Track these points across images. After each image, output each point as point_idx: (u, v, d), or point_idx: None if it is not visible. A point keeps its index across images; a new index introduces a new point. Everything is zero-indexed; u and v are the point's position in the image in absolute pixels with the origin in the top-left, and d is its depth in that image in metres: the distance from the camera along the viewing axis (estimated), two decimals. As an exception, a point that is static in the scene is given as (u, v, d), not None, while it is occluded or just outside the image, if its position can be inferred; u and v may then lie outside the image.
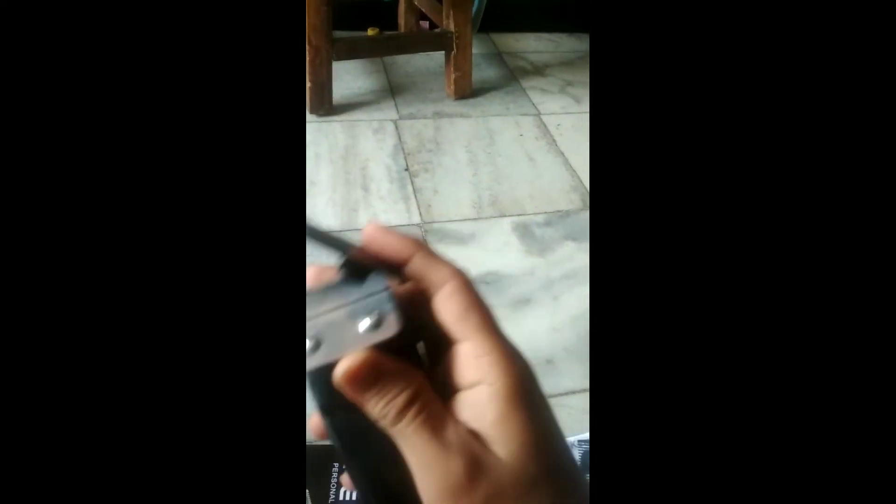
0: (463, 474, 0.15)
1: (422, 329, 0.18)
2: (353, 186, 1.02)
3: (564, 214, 1.02)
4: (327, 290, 0.18)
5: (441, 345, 0.18)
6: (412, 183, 1.05)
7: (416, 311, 0.17)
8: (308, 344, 0.17)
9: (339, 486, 0.60)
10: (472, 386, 0.17)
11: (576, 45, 1.64)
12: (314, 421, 0.18)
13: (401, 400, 0.16)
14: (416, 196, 1.02)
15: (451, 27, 1.21)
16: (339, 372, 0.16)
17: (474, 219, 0.99)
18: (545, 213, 1.02)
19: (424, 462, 0.16)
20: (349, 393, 0.16)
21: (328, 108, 1.17)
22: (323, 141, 1.12)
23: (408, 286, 0.18)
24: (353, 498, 0.59)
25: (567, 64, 1.53)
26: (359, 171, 1.06)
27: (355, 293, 0.17)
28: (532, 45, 1.62)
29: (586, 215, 1.03)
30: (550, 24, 1.68)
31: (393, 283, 0.18)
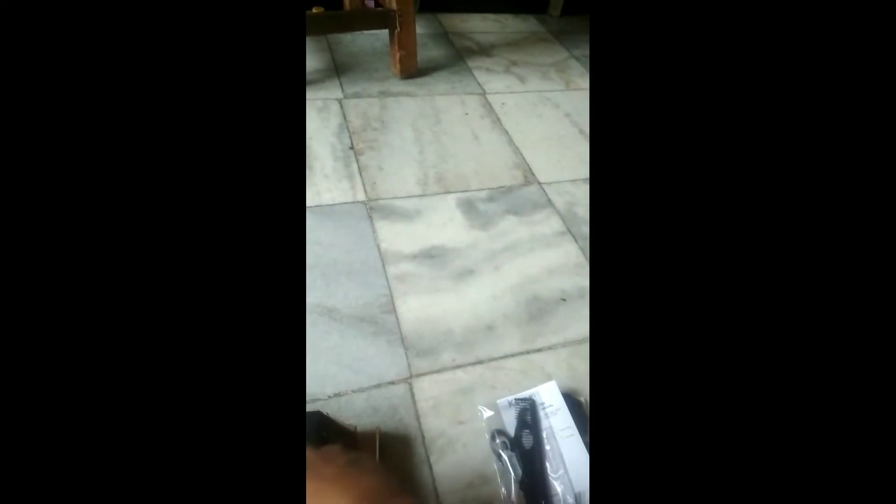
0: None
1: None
2: (297, 165, 1.02)
3: (507, 190, 1.05)
4: None
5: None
6: (357, 161, 1.05)
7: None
8: None
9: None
10: None
11: (521, 25, 1.67)
12: None
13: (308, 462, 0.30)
14: (361, 174, 1.03)
15: (394, 5, 1.21)
16: None
17: (419, 195, 1.01)
18: (489, 188, 1.04)
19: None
20: None
21: (270, 86, 1.16)
22: (265, 120, 1.11)
23: None
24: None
25: (512, 44, 1.55)
26: (303, 150, 1.06)
27: None
28: (478, 25, 1.63)
29: (527, 190, 1.06)
30: (496, 5, 1.70)
31: None
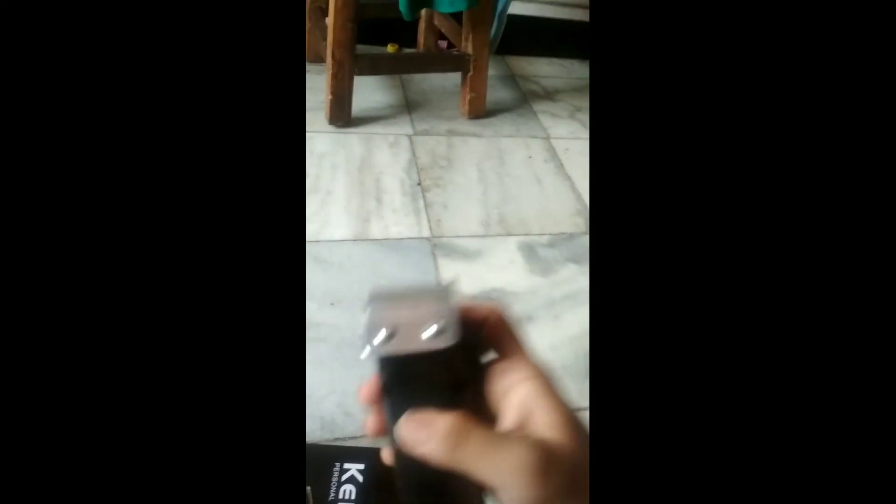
0: (539, 461, 0.18)
1: (470, 349, 0.22)
2: (367, 197, 1.06)
3: (568, 237, 1.06)
4: (408, 295, 0.22)
5: (480, 369, 0.22)
6: (424, 197, 1.09)
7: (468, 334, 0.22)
8: (384, 332, 0.21)
9: (339, 484, 0.62)
10: (515, 387, 0.20)
11: (586, 71, 1.70)
12: (366, 389, 0.21)
13: (451, 432, 0.19)
14: (426, 210, 1.06)
15: (470, 49, 1.26)
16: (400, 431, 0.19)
17: (482, 236, 1.03)
18: (550, 234, 1.06)
19: (500, 471, 0.18)
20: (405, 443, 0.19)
21: (347, 119, 1.22)
22: (340, 152, 1.16)
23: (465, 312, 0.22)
24: (354, 497, 0.61)
25: (577, 90, 1.58)
26: (373, 183, 1.10)
27: (428, 306, 0.21)
28: (545, 69, 1.67)
29: (589, 239, 1.07)
30: (563, 50, 1.73)
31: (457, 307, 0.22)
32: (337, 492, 0.63)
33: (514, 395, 0.20)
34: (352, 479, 0.62)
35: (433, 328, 0.20)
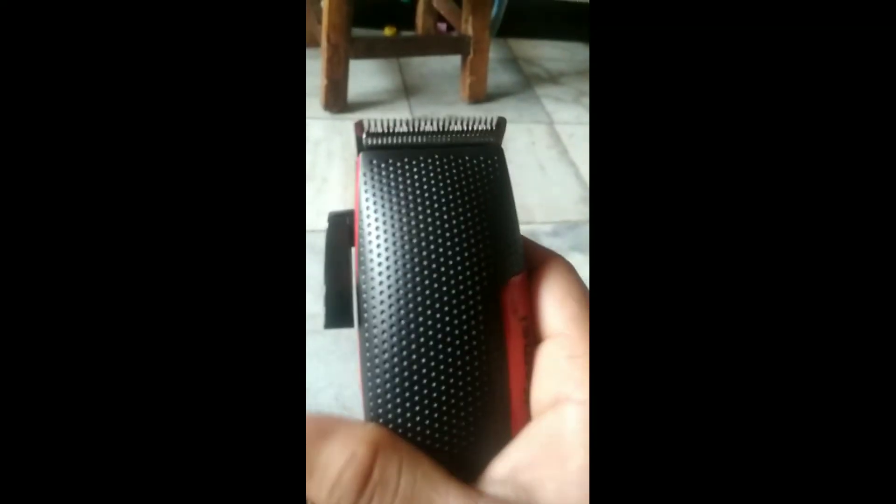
0: None
1: None
2: (363, 185, 1.03)
3: (572, 225, 1.02)
4: None
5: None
6: (423, 185, 1.06)
7: None
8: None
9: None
10: (554, 398, 0.13)
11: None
12: None
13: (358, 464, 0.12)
14: (426, 199, 1.03)
15: (469, 31, 1.21)
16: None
17: (483, 224, 1.00)
18: (553, 222, 1.02)
19: None
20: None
21: (342, 105, 1.18)
22: (336, 138, 1.12)
23: None
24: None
25: (582, 73, 1.53)
26: (370, 171, 1.06)
27: None
28: (548, 52, 1.62)
29: (594, 227, 1.03)
30: (567, 33, 1.68)
31: None
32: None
33: (554, 420, 0.12)
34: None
35: None
